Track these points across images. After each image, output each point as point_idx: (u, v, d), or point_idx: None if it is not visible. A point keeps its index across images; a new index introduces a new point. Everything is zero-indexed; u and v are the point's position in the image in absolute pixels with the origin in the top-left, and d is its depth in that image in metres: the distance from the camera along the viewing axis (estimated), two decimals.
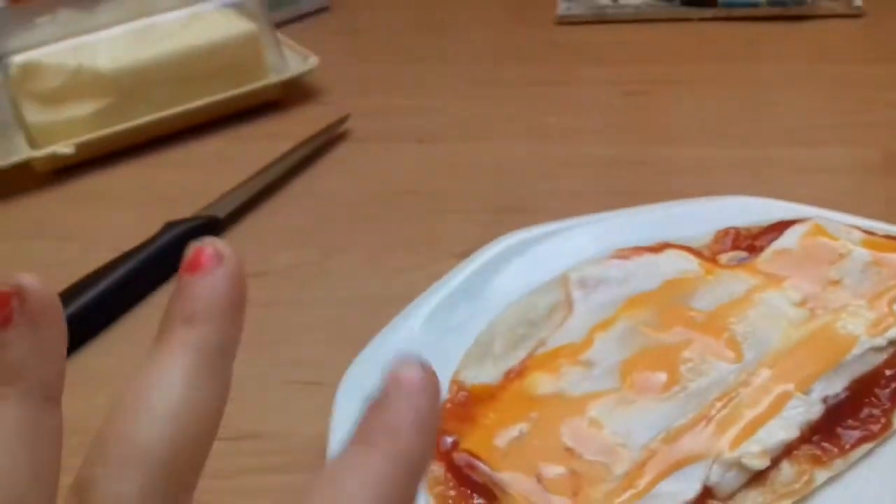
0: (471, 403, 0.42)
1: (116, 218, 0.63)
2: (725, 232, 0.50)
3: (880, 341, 0.41)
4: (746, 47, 0.75)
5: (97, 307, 0.52)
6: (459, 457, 0.39)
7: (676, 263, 0.47)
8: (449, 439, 0.41)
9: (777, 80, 0.70)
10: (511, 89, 0.74)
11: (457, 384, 0.43)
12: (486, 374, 0.44)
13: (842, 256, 0.45)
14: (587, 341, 0.44)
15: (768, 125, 0.65)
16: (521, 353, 0.45)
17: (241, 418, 0.44)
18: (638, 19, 0.80)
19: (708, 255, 0.49)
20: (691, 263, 0.47)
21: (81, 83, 0.66)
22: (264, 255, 0.57)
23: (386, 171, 0.65)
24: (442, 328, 0.46)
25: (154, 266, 0.55)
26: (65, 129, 0.65)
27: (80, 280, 0.53)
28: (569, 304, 0.47)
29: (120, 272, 0.54)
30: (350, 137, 0.68)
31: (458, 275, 0.49)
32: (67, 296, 0.52)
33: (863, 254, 0.45)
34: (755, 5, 0.78)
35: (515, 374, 0.43)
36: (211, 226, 0.57)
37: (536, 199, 0.60)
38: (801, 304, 0.44)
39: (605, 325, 0.45)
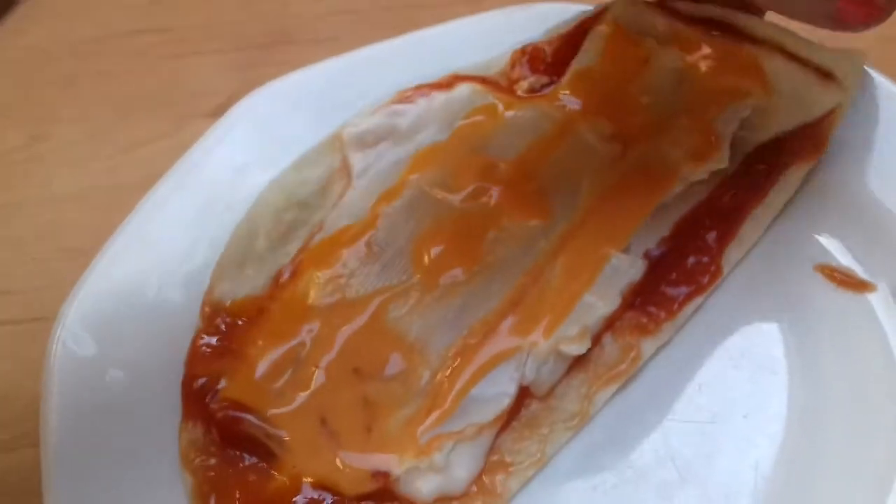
0: (233, 329, 0.33)
1: None
2: (522, 52, 0.40)
3: (702, 174, 0.35)
4: None
5: None
6: (220, 410, 0.31)
7: (469, 101, 0.38)
8: (206, 385, 0.31)
9: None
10: None
11: (210, 306, 0.33)
12: (248, 284, 0.34)
13: (647, 64, 0.37)
14: (371, 219, 0.35)
15: None
16: (292, 247, 0.35)
17: None
18: None
19: (505, 84, 0.40)
20: (486, 98, 0.38)
21: None
22: None
23: (104, 8, 0.50)
24: (202, 222, 0.35)
25: None
26: None
27: None
28: (347, 172, 0.37)
29: None
30: None
31: (210, 145, 0.38)
32: None
33: (671, 59, 0.37)
34: None
35: (288, 277, 0.34)
36: None
37: (302, 25, 0.49)
38: (613, 137, 0.36)
39: (390, 194, 0.36)
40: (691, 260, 0.35)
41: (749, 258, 0.35)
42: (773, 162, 0.36)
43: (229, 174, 0.36)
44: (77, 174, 0.42)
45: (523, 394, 0.32)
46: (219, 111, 0.39)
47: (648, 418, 0.32)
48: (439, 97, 0.38)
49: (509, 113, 0.38)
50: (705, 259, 0.35)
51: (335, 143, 0.37)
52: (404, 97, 0.38)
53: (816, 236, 0.35)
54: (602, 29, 0.38)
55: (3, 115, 0.44)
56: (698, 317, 0.34)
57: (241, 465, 0.30)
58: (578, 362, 0.33)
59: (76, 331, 0.31)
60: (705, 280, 0.34)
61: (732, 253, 0.35)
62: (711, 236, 0.35)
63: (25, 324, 0.36)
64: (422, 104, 0.38)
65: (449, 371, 0.32)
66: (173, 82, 0.45)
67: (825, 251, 0.35)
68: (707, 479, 0.30)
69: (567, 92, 0.38)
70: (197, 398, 0.31)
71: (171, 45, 0.47)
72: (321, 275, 0.34)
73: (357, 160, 0.37)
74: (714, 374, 0.33)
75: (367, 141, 0.38)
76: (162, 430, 0.30)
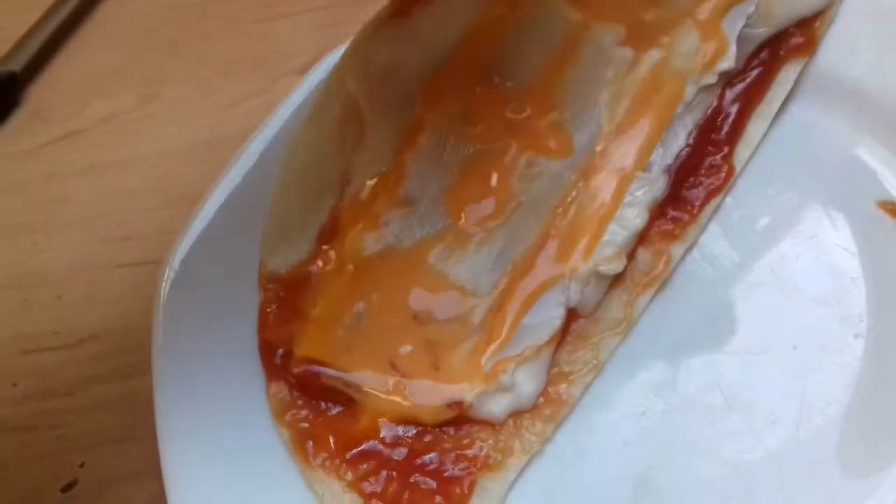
0: (291, 296, 0.34)
1: None
2: None
3: (710, 78, 0.36)
4: None
5: None
6: (298, 368, 0.33)
7: (471, 5, 0.36)
8: (280, 351, 0.34)
9: None
10: None
11: (266, 278, 0.35)
12: (295, 252, 0.35)
13: None
14: (399, 168, 0.36)
15: None
16: (325, 204, 0.36)
17: (72, 319, 0.39)
18: None
19: None
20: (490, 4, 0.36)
21: None
22: (74, 109, 0.47)
23: None
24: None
25: None
26: None
27: None
28: (356, 110, 0.36)
29: None
30: None
31: (296, 101, 0.39)
32: None
33: None
34: None
35: (330, 235, 0.35)
36: (8, 84, 0.47)
37: None
38: (626, 41, 0.37)
39: (410, 136, 0.36)
40: (706, 162, 0.36)
41: (810, 195, 0.35)
42: (772, 59, 0.37)
43: None
44: (184, 130, 0.45)
45: (571, 315, 0.34)
46: (306, 68, 0.42)
47: (699, 349, 0.33)
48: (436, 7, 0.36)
49: (518, 15, 0.36)
50: (717, 159, 0.36)
51: (337, 77, 0.36)
52: (402, 9, 0.35)
53: (877, 173, 0.35)
54: None
55: (117, 77, 0.48)
56: (751, 248, 0.35)
57: (328, 413, 0.33)
58: (617, 278, 0.35)
59: (180, 273, 0.34)
60: (721, 179, 0.36)
61: (742, 152, 0.36)
62: (721, 137, 0.37)
63: (142, 266, 0.40)
64: (420, 18, 0.36)
65: (500, 306, 0.34)
66: (266, 43, 0.48)
67: (887, 187, 0.35)
68: (753, 407, 0.31)
69: None
70: (275, 361, 0.33)
71: (263, 8, 0.50)
72: (363, 232, 0.35)
73: (362, 94, 0.36)
74: (765, 306, 0.34)
75: (370, 73, 0.36)
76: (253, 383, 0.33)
